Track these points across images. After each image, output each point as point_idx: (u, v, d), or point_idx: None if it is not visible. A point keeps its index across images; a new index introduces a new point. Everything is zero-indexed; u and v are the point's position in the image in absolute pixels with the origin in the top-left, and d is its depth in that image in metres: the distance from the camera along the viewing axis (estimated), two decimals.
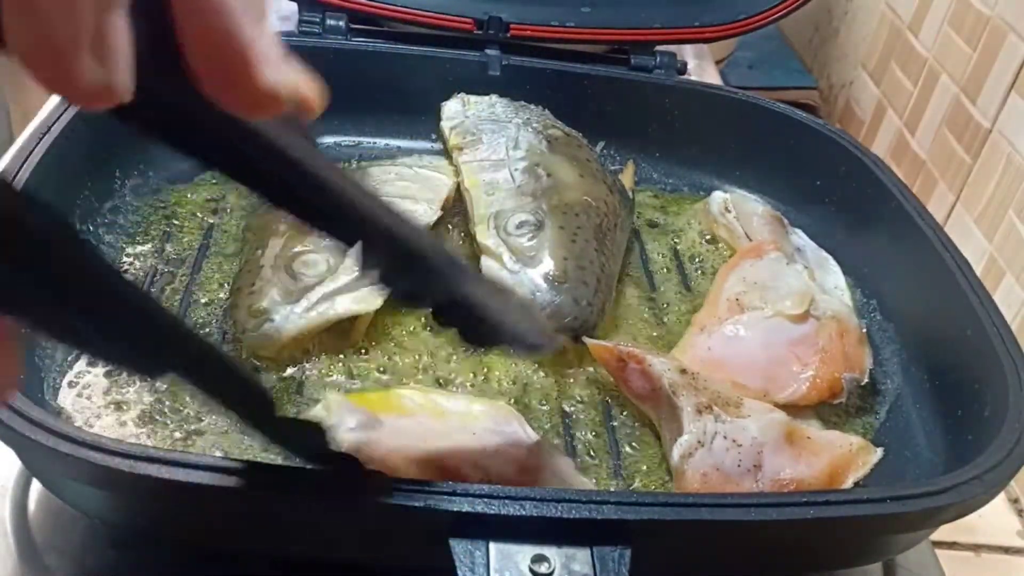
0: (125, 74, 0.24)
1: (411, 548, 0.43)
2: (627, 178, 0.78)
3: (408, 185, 0.69)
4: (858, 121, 1.07)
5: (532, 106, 0.78)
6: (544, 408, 0.58)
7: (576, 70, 0.79)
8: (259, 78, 0.26)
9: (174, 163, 0.69)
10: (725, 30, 0.84)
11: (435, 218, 0.67)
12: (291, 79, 0.28)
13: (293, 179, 0.33)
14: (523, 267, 0.61)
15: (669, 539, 0.44)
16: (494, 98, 0.77)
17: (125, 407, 0.53)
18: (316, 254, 0.60)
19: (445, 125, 0.75)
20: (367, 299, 0.59)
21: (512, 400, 0.57)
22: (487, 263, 0.62)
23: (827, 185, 0.75)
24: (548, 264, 0.61)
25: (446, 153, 0.74)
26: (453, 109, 0.77)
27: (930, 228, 0.64)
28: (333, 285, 0.58)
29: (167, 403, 0.54)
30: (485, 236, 0.63)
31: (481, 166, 0.69)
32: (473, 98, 0.77)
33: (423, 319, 0.62)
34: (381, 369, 0.58)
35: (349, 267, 0.60)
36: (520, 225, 0.63)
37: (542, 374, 0.60)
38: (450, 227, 0.70)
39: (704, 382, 0.56)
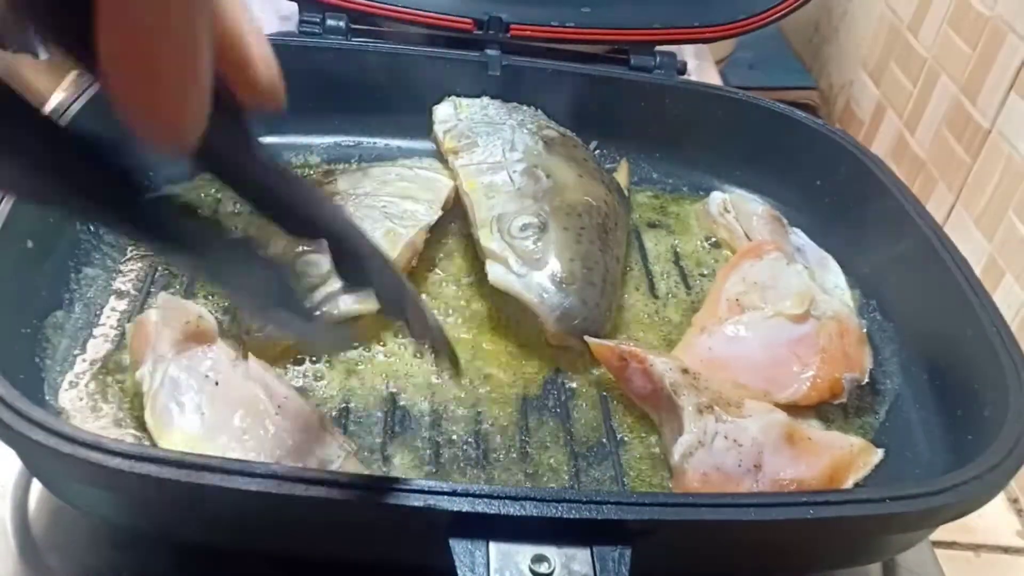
0: (202, 107, 0.26)
1: (411, 548, 0.43)
2: (622, 176, 0.78)
3: (408, 186, 0.69)
4: (858, 121, 1.07)
5: (525, 107, 0.78)
6: (544, 407, 0.58)
7: (576, 70, 0.79)
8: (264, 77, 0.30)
9: (174, 163, 0.69)
10: (725, 30, 0.84)
11: (436, 218, 0.67)
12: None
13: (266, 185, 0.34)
14: (530, 270, 0.60)
15: (669, 539, 0.44)
16: (486, 100, 0.77)
17: (125, 407, 0.53)
18: (318, 254, 0.60)
19: (438, 129, 0.75)
20: (370, 299, 0.59)
21: (512, 399, 0.58)
22: (493, 267, 0.61)
23: (827, 185, 0.75)
24: (555, 266, 0.61)
25: (440, 156, 0.74)
26: (445, 112, 0.76)
27: (930, 228, 0.64)
28: (336, 285, 0.58)
29: None
30: (489, 240, 0.63)
31: (479, 169, 0.69)
32: (465, 101, 0.77)
33: None
34: (381, 364, 0.58)
35: None
36: (524, 228, 0.63)
37: (543, 375, 0.60)
38: (452, 227, 0.70)
39: (705, 382, 0.56)
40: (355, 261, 0.40)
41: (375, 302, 0.59)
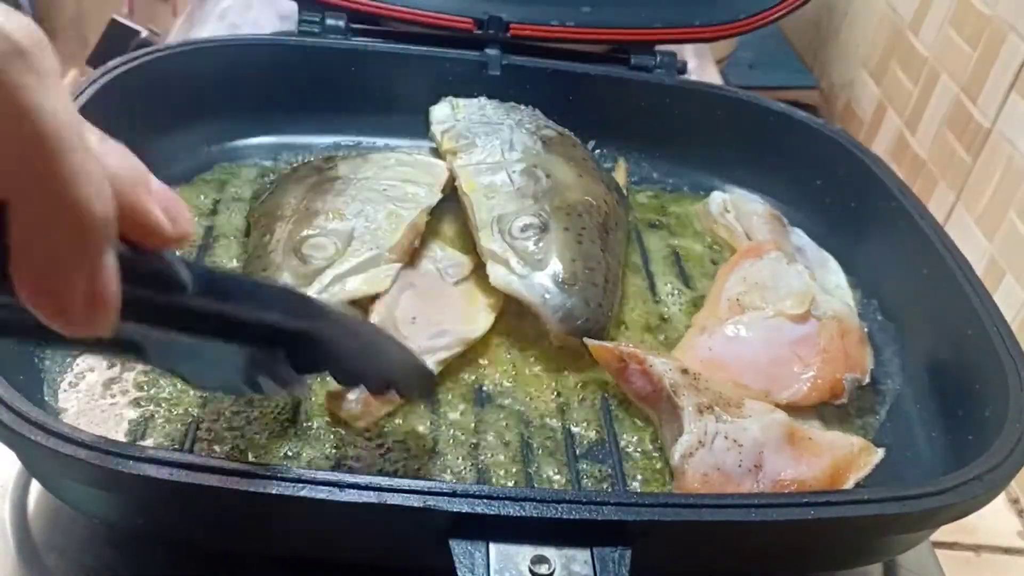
0: (113, 312, 0.30)
1: (411, 548, 0.43)
2: (620, 176, 0.78)
3: (408, 170, 0.69)
4: (858, 121, 1.07)
5: (522, 107, 0.77)
6: (544, 408, 0.58)
7: (576, 70, 0.79)
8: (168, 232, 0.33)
9: (174, 163, 0.69)
10: (725, 30, 0.84)
11: (436, 200, 0.67)
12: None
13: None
14: (531, 271, 0.60)
15: (669, 539, 0.44)
16: (483, 100, 0.77)
17: (125, 407, 0.53)
18: (324, 237, 0.61)
19: (436, 129, 0.75)
20: (377, 280, 0.60)
21: (512, 399, 0.57)
22: (494, 269, 0.61)
23: (827, 185, 0.75)
24: (557, 267, 0.60)
25: (438, 156, 0.74)
26: (442, 113, 0.76)
27: (930, 228, 0.64)
28: (343, 267, 0.59)
29: (167, 404, 0.54)
30: (489, 241, 0.62)
31: (477, 169, 0.69)
32: (462, 101, 0.77)
33: None
34: None
35: (357, 249, 0.60)
36: (524, 228, 0.62)
37: (542, 374, 0.60)
38: (451, 226, 0.70)
39: (705, 382, 0.56)
40: (312, 354, 0.41)
41: (383, 282, 0.60)
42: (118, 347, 0.35)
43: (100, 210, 0.28)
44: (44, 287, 0.28)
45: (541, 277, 0.60)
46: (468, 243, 0.67)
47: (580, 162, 0.71)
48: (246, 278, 0.38)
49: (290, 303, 0.41)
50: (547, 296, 0.59)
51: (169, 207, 0.33)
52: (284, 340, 0.39)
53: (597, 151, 0.80)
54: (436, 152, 0.75)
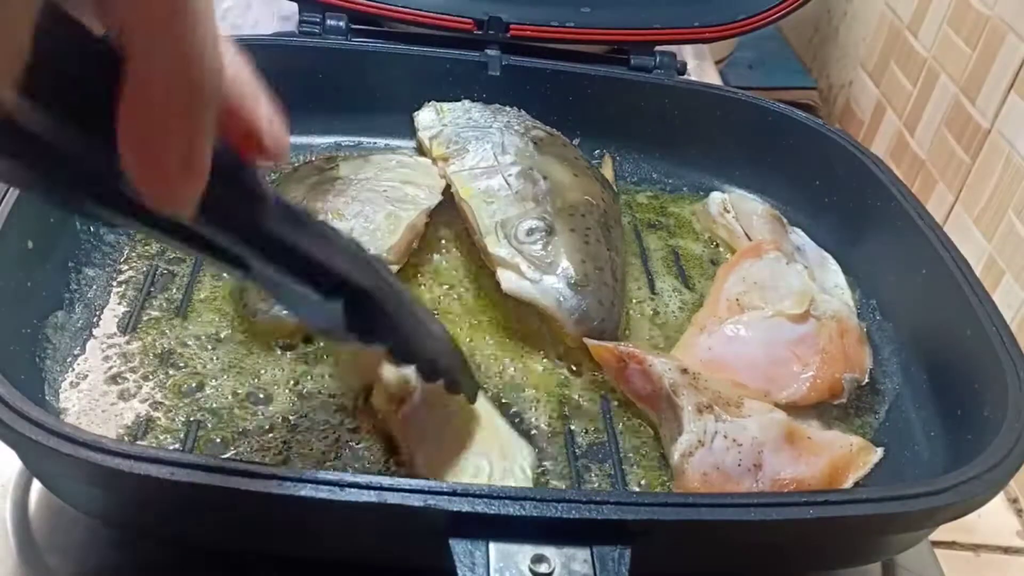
0: (200, 183, 0.30)
1: (411, 548, 0.43)
2: (608, 170, 0.78)
3: (409, 172, 0.69)
4: (858, 121, 1.07)
5: (508, 108, 0.77)
6: (544, 408, 0.58)
7: (576, 70, 0.79)
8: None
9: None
10: (725, 30, 0.84)
11: (436, 201, 0.67)
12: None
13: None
14: (542, 275, 0.60)
15: (669, 539, 0.44)
16: (467, 103, 0.77)
17: (126, 407, 0.53)
18: None
19: (423, 136, 0.74)
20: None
21: (511, 399, 0.58)
22: (504, 275, 0.61)
23: (827, 185, 0.75)
24: (568, 269, 0.60)
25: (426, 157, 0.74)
26: (428, 118, 0.75)
27: (930, 228, 0.64)
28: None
29: (168, 404, 0.54)
30: (496, 247, 0.62)
31: (472, 174, 0.68)
32: (446, 105, 0.76)
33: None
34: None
35: None
36: (530, 232, 0.62)
37: (542, 374, 0.60)
38: (448, 229, 0.70)
39: (704, 382, 0.56)
40: (370, 316, 0.41)
41: None
42: (219, 254, 0.34)
43: (211, 69, 0.28)
44: (147, 143, 0.28)
45: (553, 280, 0.60)
46: (468, 245, 0.67)
47: (573, 161, 0.71)
48: (320, 221, 0.38)
49: (358, 257, 0.40)
50: (562, 299, 0.59)
51: (274, 122, 0.33)
52: (346, 293, 0.39)
53: (599, 151, 0.80)
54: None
